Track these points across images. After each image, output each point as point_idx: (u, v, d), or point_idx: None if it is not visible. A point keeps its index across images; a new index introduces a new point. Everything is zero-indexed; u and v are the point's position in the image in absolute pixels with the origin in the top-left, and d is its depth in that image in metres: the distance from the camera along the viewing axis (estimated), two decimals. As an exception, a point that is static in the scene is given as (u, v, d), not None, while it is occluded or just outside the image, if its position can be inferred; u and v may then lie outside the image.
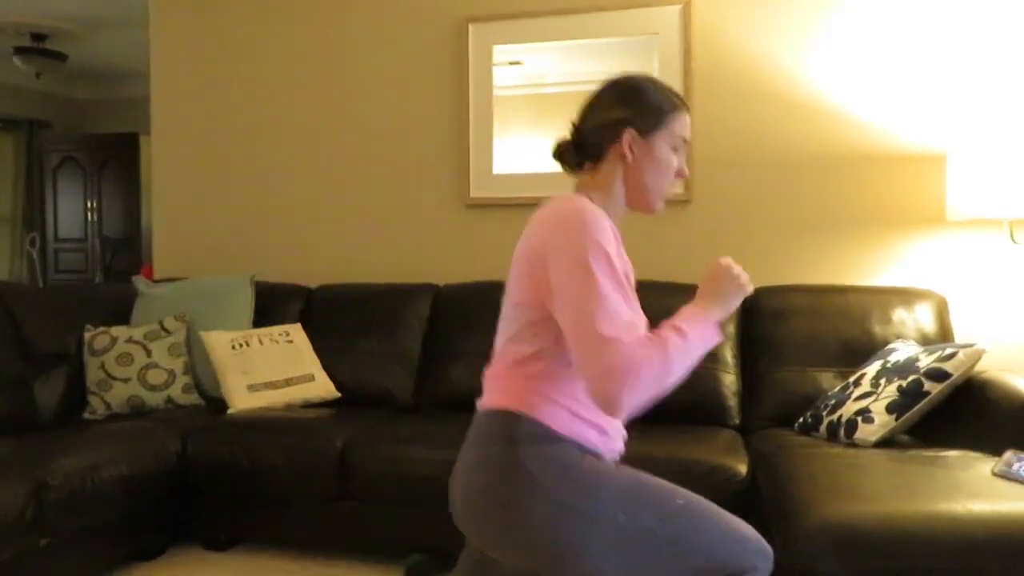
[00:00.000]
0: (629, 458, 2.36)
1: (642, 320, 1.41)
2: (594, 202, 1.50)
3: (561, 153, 1.58)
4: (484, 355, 3.02)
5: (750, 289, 1.48)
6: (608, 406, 1.29)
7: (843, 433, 2.33)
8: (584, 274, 1.34)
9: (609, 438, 1.49)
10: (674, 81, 3.22)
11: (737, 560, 1.39)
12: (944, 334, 2.75)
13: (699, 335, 1.37)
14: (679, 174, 1.57)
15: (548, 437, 1.41)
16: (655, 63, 3.25)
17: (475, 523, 1.42)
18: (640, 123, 1.52)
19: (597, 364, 1.29)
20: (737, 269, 1.46)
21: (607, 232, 1.39)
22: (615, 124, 1.52)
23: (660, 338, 1.33)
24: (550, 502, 1.36)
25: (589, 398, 1.37)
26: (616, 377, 1.27)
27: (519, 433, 1.41)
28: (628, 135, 1.51)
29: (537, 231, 1.43)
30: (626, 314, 1.33)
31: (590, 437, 1.45)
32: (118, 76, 7.22)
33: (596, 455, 1.45)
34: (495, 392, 1.48)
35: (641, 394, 1.29)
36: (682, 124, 1.55)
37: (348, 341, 3.20)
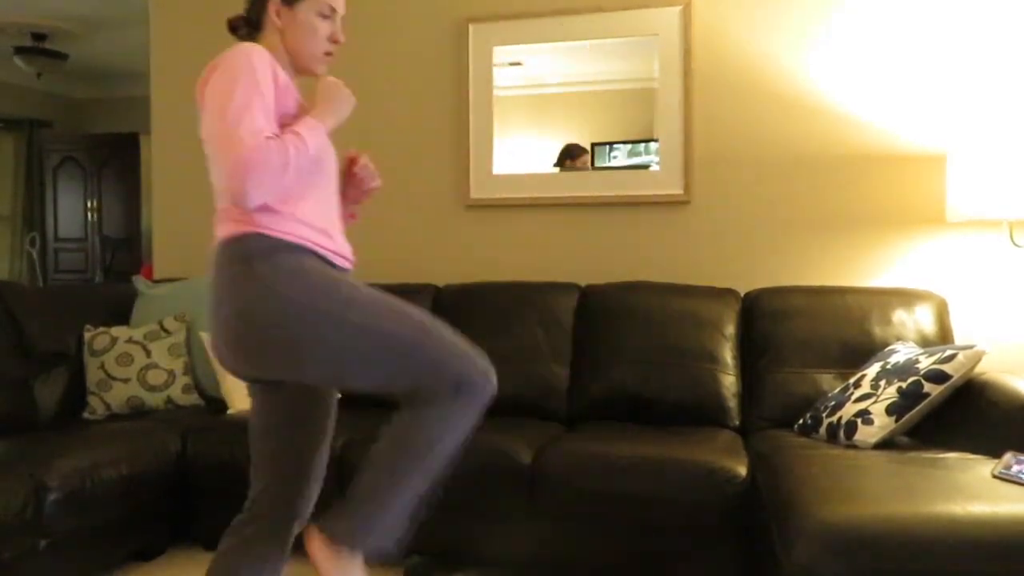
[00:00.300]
0: (629, 459, 2.37)
1: (275, 129, 1.59)
2: None
3: (235, 27, 1.78)
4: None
5: (353, 102, 1.76)
6: (237, 197, 1.50)
7: (843, 434, 2.33)
8: (227, 86, 1.54)
9: (333, 240, 1.68)
10: (674, 82, 3.23)
11: (454, 367, 1.57)
12: (944, 335, 2.75)
13: (314, 138, 1.61)
14: (333, 39, 1.75)
15: (279, 247, 1.58)
16: (655, 64, 3.25)
17: (233, 352, 1.59)
18: None
19: (227, 160, 1.49)
20: (342, 85, 1.74)
21: (264, 61, 1.59)
22: None
23: (281, 140, 1.54)
24: (284, 303, 1.53)
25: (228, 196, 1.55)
26: (241, 170, 1.48)
27: (250, 250, 1.57)
28: (273, 5, 1.71)
29: (207, 72, 1.62)
30: (258, 120, 1.53)
31: (318, 240, 1.64)
32: (118, 76, 7.22)
33: (327, 261, 1.65)
34: (223, 225, 1.63)
35: (266, 186, 1.51)
36: None
37: (348, 341, 3.20)
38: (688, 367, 2.82)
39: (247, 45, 1.61)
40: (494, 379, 1.63)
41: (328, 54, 1.76)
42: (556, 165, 3.37)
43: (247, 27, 1.77)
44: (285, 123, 1.63)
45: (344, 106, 1.74)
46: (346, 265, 1.73)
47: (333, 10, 1.74)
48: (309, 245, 1.62)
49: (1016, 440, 2.07)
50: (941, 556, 1.62)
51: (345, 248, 1.74)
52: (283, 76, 1.65)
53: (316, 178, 1.67)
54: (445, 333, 1.60)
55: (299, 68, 1.76)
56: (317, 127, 1.64)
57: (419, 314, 1.62)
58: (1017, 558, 1.59)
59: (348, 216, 1.92)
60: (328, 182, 1.72)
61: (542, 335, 3.02)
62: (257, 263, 1.56)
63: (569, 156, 3.36)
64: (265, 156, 1.50)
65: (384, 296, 1.63)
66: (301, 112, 1.69)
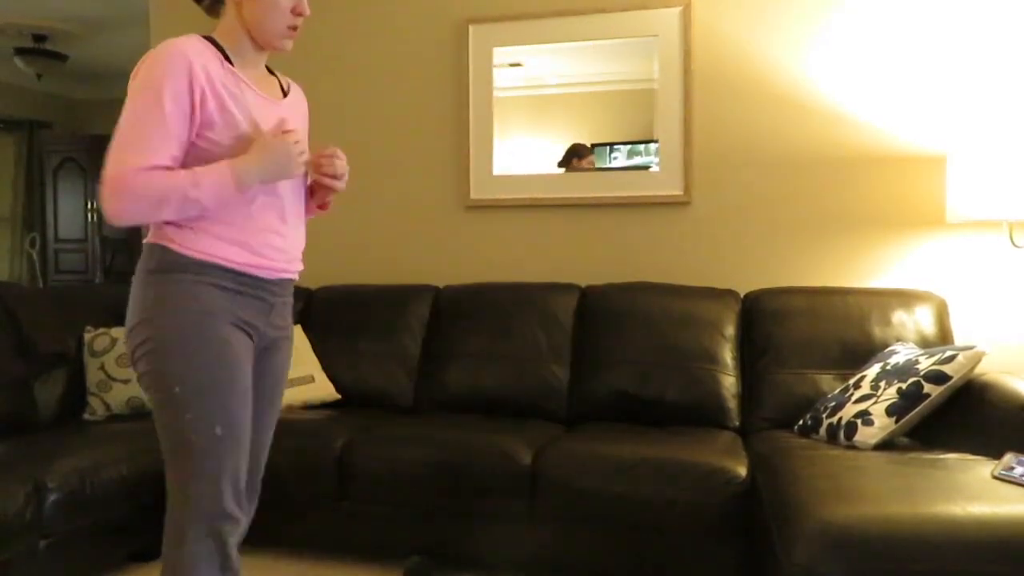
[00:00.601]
0: (629, 460, 2.37)
1: (174, 155, 1.55)
2: (224, 44, 1.63)
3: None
4: (484, 356, 3.03)
5: (301, 169, 1.65)
6: (104, 213, 1.50)
7: (843, 435, 2.33)
8: (132, 98, 1.53)
9: (256, 254, 1.63)
10: (674, 83, 3.23)
11: (204, 502, 1.57)
12: (944, 336, 2.75)
13: (213, 183, 1.53)
14: (296, 11, 1.66)
15: (179, 265, 1.57)
16: (655, 65, 3.25)
17: (127, 343, 1.63)
18: None
19: (103, 174, 1.49)
20: (296, 143, 1.62)
21: (180, 70, 1.52)
22: None
23: (167, 177, 1.50)
24: (156, 336, 1.56)
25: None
26: (107, 191, 1.48)
27: (151, 263, 1.59)
28: None
29: (137, 66, 1.59)
30: (148, 145, 1.49)
31: (229, 255, 1.60)
32: (118, 77, 7.21)
33: (243, 275, 1.62)
34: (151, 228, 1.64)
35: (130, 216, 1.50)
36: None
37: (348, 342, 3.20)
38: (688, 368, 2.82)
39: (172, 45, 1.54)
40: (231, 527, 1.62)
41: (293, 28, 1.67)
42: (561, 165, 3.37)
43: (212, 1, 1.70)
44: (209, 134, 1.57)
45: (276, 167, 1.60)
46: (272, 275, 1.68)
47: None
48: (218, 261, 1.59)
49: (1016, 441, 2.07)
50: (941, 557, 1.62)
51: (278, 254, 1.68)
52: (216, 73, 1.57)
53: (250, 195, 1.62)
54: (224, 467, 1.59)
55: (261, 44, 1.68)
56: (224, 178, 1.54)
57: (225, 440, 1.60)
58: (1017, 559, 1.59)
59: (316, 208, 1.88)
60: (270, 191, 1.66)
61: (542, 336, 3.02)
62: (154, 280, 1.59)
63: (576, 156, 3.35)
64: (135, 189, 1.48)
65: (220, 405, 1.59)
66: (247, 108, 1.61)
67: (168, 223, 1.58)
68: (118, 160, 1.49)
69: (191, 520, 1.57)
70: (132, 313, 1.61)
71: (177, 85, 1.52)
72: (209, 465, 1.57)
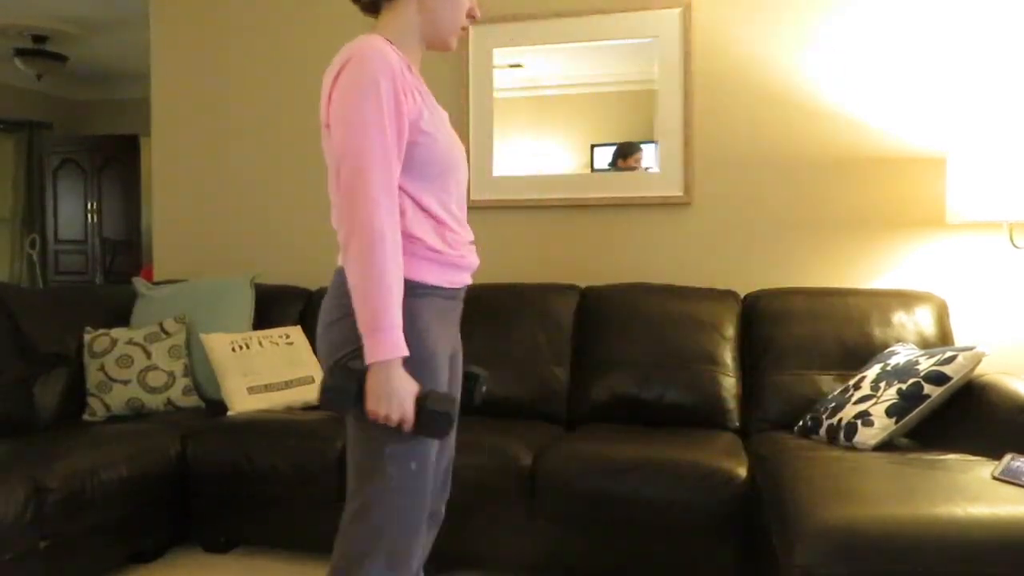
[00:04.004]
0: (629, 461, 2.37)
1: (399, 155, 1.47)
2: (391, 42, 1.54)
3: None
4: (484, 357, 3.03)
5: (398, 416, 1.43)
6: (345, 209, 1.41)
7: (843, 436, 2.33)
8: (353, 111, 1.41)
9: (448, 268, 1.56)
10: (674, 84, 3.23)
11: (396, 542, 1.51)
12: (944, 337, 2.75)
13: (384, 315, 1.39)
14: (470, 15, 1.63)
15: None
16: (655, 66, 3.25)
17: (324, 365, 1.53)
18: None
19: (348, 213, 1.40)
20: (405, 412, 1.44)
21: (388, 76, 1.43)
22: None
23: (397, 264, 1.41)
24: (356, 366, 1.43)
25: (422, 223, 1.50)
26: (358, 229, 1.39)
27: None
28: None
29: (328, 76, 1.48)
30: (386, 168, 1.41)
31: (426, 275, 1.51)
32: (118, 77, 7.22)
33: (437, 295, 1.54)
34: (342, 249, 1.54)
35: (354, 228, 1.39)
36: None
37: (348, 343, 3.19)
38: (688, 369, 2.82)
39: (371, 48, 1.43)
40: None
41: (464, 28, 1.63)
42: (610, 165, 3.34)
43: None
44: (427, 128, 1.50)
45: (388, 394, 1.42)
46: (466, 280, 1.63)
47: None
48: (431, 283, 1.52)
49: (1016, 441, 2.07)
50: (941, 557, 1.62)
51: (467, 243, 1.62)
52: (409, 80, 1.49)
53: (442, 180, 1.54)
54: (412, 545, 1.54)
55: (432, 43, 1.62)
56: (386, 334, 1.40)
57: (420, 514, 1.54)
58: (1017, 559, 1.59)
59: None
60: (460, 177, 1.60)
61: (542, 337, 3.02)
62: (352, 319, 1.44)
63: (622, 155, 3.33)
64: (376, 228, 1.39)
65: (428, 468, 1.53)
66: (421, 115, 1.50)
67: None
68: (359, 193, 1.39)
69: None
70: (322, 337, 1.55)
71: (390, 93, 1.43)
72: (412, 496, 1.53)
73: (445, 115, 1.63)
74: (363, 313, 1.39)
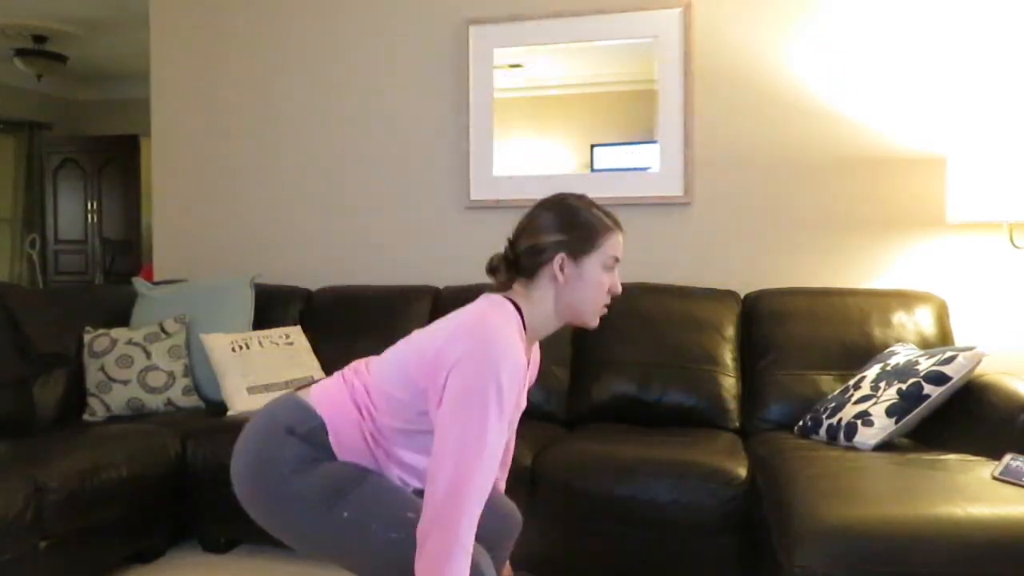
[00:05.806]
0: (629, 461, 2.37)
1: (507, 443, 1.53)
2: (522, 314, 1.56)
3: (494, 269, 1.63)
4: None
5: None
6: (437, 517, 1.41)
7: (843, 436, 2.33)
8: (471, 408, 1.41)
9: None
10: (675, 84, 3.23)
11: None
12: (944, 337, 2.75)
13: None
14: (611, 291, 1.62)
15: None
16: (655, 66, 3.25)
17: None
18: (572, 247, 1.57)
19: (440, 483, 1.41)
20: None
21: (516, 378, 1.44)
22: (548, 248, 1.57)
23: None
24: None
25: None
26: (454, 507, 1.39)
27: (318, 451, 1.61)
28: (559, 258, 1.56)
29: (449, 339, 1.49)
30: (490, 470, 1.42)
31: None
32: (118, 78, 7.22)
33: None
34: (332, 397, 1.64)
35: (445, 531, 1.39)
36: (614, 244, 1.60)
37: (348, 343, 3.19)
38: (688, 369, 2.82)
39: (501, 342, 1.44)
40: None
41: (606, 306, 1.62)
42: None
43: (510, 272, 1.61)
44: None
45: None
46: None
47: (616, 260, 1.60)
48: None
49: (1016, 441, 2.07)
50: (941, 557, 1.61)
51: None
52: (519, 379, 1.48)
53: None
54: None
55: (569, 320, 1.62)
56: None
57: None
58: (1017, 559, 1.59)
59: None
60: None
61: (542, 337, 3.02)
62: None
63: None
64: (461, 547, 1.40)
65: None
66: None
67: (365, 438, 1.60)
68: (462, 488, 1.40)
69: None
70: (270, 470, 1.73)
71: (512, 395, 1.45)
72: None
73: (523, 404, 1.67)
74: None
